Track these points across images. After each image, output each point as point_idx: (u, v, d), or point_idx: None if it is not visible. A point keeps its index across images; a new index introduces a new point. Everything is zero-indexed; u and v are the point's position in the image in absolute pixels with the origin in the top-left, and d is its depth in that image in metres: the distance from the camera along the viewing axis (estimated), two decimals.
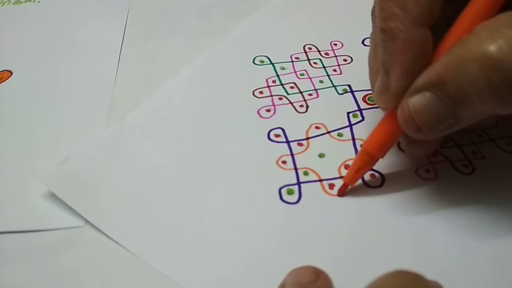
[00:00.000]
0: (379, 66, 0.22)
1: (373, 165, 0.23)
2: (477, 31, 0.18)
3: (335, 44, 0.33)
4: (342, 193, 0.24)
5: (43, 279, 0.21)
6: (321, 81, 0.30)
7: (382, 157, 0.23)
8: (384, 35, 0.21)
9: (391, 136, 0.23)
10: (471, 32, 0.19)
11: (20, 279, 0.21)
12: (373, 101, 0.29)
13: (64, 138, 0.28)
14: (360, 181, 0.24)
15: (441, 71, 0.19)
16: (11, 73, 0.33)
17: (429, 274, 0.17)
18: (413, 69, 0.20)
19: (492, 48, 0.18)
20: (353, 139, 0.26)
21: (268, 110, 0.28)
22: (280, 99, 0.29)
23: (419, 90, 0.20)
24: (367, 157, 0.23)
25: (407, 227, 0.22)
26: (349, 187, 0.24)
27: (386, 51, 0.21)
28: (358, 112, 0.28)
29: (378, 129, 0.23)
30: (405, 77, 0.21)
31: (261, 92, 0.30)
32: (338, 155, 0.25)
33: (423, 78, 0.20)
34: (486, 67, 0.18)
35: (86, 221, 0.23)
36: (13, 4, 0.40)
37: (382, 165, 0.25)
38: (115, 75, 0.32)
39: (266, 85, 0.30)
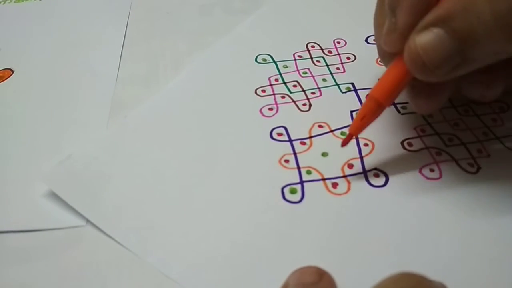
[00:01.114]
0: (387, 8, 0.21)
1: (379, 114, 0.23)
2: None
3: (338, 42, 0.33)
4: (345, 143, 0.24)
5: (44, 279, 0.21)
6: (324, 80, 0.30)
7: (389, 105, 0.23)
8: None
9: (398, 83, 0.22)
10: None
11: (21, 279, 0.21)
12: None
13: (66, 137, 0.28)
14: (364, 180, 0.24)
15: (449, 6, 0.19)
16: (12, 72, 0.33)
17: (434, 274, 0.17)
18: (420, 5, 0.20)
19: None
20: (357, 138, 0.26)
21: (270, 109, 0.28)
22: (283, 97, 0.29)
23: (426, 27, 0.20)
24: (374, 104, 0.22)
25: (411, 227, 0.22)
26: (354, 137, 0.24)
27: None
28: None
29: (385, 76, 0.22)
30: (412, 13, 0.20)
31: (263, 91, 0.30)
32: (341, 154, 0.25)
33: (431, 14, 0.20)
34: None
35: (87, 220, 0.23)
36: (14, 2, 0.40)
37: (386, 164, 0.25)
38: (117, 74, 0.32)
39: (268, 84, 0.30)
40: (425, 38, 0.20)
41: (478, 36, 0.18)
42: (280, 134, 0.27)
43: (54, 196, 0.24)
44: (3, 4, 0.40)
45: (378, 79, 0.23)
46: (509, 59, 0.20)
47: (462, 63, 0.19)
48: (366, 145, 0.26)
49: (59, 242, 0.23)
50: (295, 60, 0.32)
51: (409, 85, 0.23)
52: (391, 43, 0.22)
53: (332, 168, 0.25)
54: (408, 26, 0.20)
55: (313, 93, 0.29)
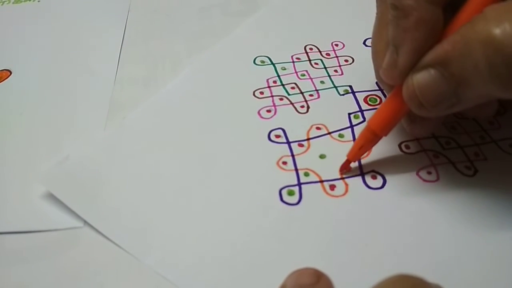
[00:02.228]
0: (390, 42, 0.22)
1: (376, 143, 0.24)
2: (486, 12, 0.18)
3: (336, 45, 0.33)
4: (343, 169, 0.24)
5: (42, 280, 0.21)
6: (322, 82, 0.30)
7: (386, 135, 0.23)
8: (397, 12, 0.21)
9: (395, 115, 0.23)
10: (481, 12, 0.19)
11: (19, 280, 0.21)
12: (375, 102, 0.28)
13: (63, 138, 0.28)
14: (361, 182, 0.24)
15: (448, 49, 0.19)
16: (10, 73, 0.33)
17: (431, 276, 0.17)
18: (423, 47, 0.21)
19: (497, 30, 0.18)
20: (354, 140, 0.26)
21: (268, 111, 0.28)
22: (281, 99, 0.29)
23: (425, 67, 0.20)
24: (371, 135, 0.23)
25: (408, 229, 0.22)
26: (351, 164, 0.24)
27: (398, 28, 0.21)
28: (359, 113, 0.28)
29: (382, 107, 0.23)
30: (414, 54, 0.21)
31: (261, 93, 0.30)
32: (339, 156, 0.25)
33: (430, 55, 0.20)
34: (489, 49, 0.18)
35: (85, 222, 0.23)
36: (13, 3, 0.40)
37: (384, 166, 0.25)
38: (115, 75, 0.32)
39: (266, 86, 0.30)
40: (422, 78, 0.20)
41: (472, 82, 0.19)
42: (278, 136, 0.27)
43: (52, 197, 0.24)
44: (2, 5, 0.40)
45: (376, 110, 0.24)
46: None
47: (457, 103, 0.20)
48: None
49: (57, 243, 0.22)
50: (293, 62, 0.32)
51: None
52: (391, 78, 0.22)
53: (330, 170, 0.25)
54: (409, 66, 0.21)
55: (311, 95, 0.29)
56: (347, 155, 0.24)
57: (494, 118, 0.27)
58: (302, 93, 0.29)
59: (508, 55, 0.17)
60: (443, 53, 0.20)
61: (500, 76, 0.18)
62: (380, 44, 0.24)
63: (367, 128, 0.23)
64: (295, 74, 0.31)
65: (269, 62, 0.32)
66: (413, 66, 0.21)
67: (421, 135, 0.26)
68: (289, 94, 0.29)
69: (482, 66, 0.18)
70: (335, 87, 0.30)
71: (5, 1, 0.40)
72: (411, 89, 0.21)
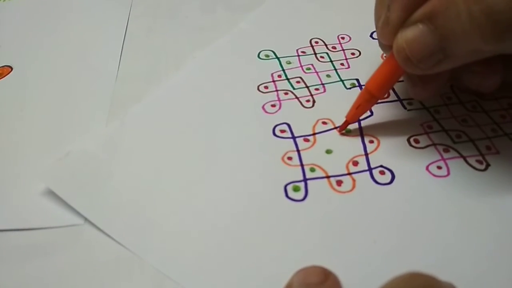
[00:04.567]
0: (384, 3, 0.23)
1: (374, 104, 0.25)
2: None
3: (343, 38, 0.33)
4: (342, 130, 0.25)
5: (42, 277, 0.21)
6: (328, 76, 0.30)
7: (382, 96, 0.25)
8: None
9: (390, 76, 0.24)
10: None
11: (18, 278, 0.21)
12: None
13: (65, 134, 0.27)
14: (369, 178, 0.23)
15: (435, 4, 0.20)
16: (11, 69, 0.32)
17: (443, 275, 0.17)
18: (412, 4, 0.21)
19: None
20: (362, 134, 0.26)
21: (273, 105, 0.28)
22: (286, 93, 0.28)
23: (414, 22, 0.21)
24: (368, 95, 0.24)
25: (418, 225, 0.21)
26: (350, 124, 0.25)
27: None
28: None
29: (379, 69, 0.24)
30: (404, 10, 0.21)
31: (266, 87, 0.29)
32: (346, 151, 0.25)
33: (420, 10, 0.21)
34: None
35: (86, 219, 0.23)
36: None
37: (392, 161, 0.24)
38: (117, 70, 0.32)
39: (271, 80, 0.29)
40: (410, 33, 0.21)
41: (456, 34, 0.19)
42: (283, 131, 0.26)
43: (52, 194, 0.23)
44: (3, 1, 0.40)
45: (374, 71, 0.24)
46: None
47: (444, 59, 0.20)
48: (371, 142, 0.25)
49: (57, 240, 0.22)
50: (298, 56, 0.31)
51: (406, 75, 0.24)
52: (385, 36, 0.23)
53: (337, 165, 0.24)
54: (400, 21, 0.22)
55: (316, 89, 0.29)
56: (346, 116, 0.25)
57: (506, 111, 0.27)
58: (307, 87, 0.29)
59: (487, 4, 0.18)
60: (431, 8, 0.20)
61: (480, 27, 0.18)
62: (381, 9, 0.24)
63: (364, 89, 0.24)
64: (300, 68, 0.30)
65: (274, 56, 0.31)
66: (404, 22, 0.21)
67: (423, 97, 0.26)
68: (294, 88, 0.29)
69: (464, 16, 0.19)
70: (342, 80, 0.29)
71: None
72: (399, 43, 0.21)
